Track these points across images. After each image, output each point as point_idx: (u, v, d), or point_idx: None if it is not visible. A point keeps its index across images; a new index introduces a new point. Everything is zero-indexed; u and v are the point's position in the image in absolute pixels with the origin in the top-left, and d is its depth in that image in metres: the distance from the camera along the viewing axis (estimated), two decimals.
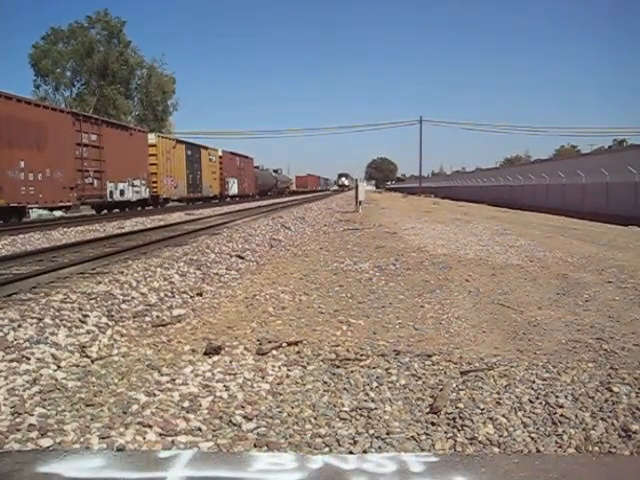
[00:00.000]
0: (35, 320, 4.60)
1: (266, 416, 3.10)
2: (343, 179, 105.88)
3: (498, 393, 3.37)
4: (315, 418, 3.09)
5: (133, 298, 5.77)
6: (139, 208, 26.29)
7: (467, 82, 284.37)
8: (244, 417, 3.08)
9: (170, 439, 2.84)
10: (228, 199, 40.56)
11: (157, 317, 5.27)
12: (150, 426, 2.94)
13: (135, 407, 3.18)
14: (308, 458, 2.65)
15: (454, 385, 3.50)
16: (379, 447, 2.77)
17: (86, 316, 4.92)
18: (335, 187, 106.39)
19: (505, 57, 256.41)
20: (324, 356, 4.09)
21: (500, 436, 2.88)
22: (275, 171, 68.36)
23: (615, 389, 3.39)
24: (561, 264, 8.43)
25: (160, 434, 2.88)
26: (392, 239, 11.98)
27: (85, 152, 20.69)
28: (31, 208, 19.50)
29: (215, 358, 4.03)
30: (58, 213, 21.91)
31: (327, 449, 2.76)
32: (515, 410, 3.15)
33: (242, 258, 9.04)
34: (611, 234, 13.69)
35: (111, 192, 22.84)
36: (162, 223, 18.00)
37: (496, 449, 2.77)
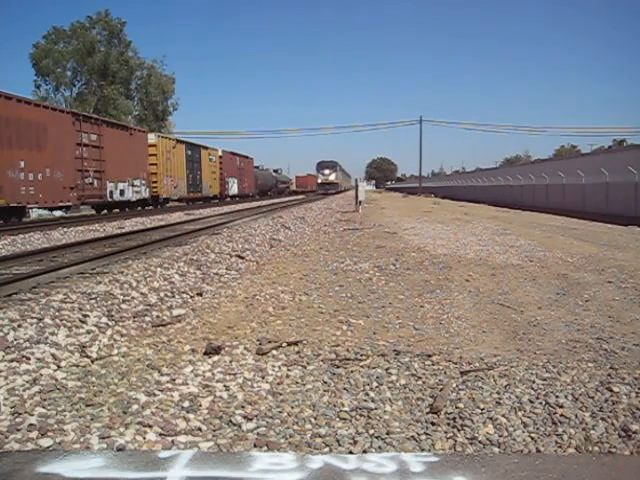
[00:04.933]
0: (35, 320, 4.60)
1: (266, 416, 3.10)
2: (327, 172, 63.16)
3: (498, 393, 3.37)
4: (315, 418, 3.09)
5: (133, 298, 5.77)
6: (139, 208, 26.28)
7: (467, 84, 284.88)
8: (244, 417, 3.08)
9: (170, 439, 2.84)
10: (228, 199, 40.54)
11: (157, 317, 5.27)
12: (150, 426, 2.94)
13: (135, 407, 3.18)
14: (308, 458, 2.65)
15: (454, 385, 3.50)
16: (379, 447, 2.78)
17: (86, 316, 4.92)
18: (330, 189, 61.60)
19: (505, 58, 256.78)
20: (324, 356, 4.09)
21: (500, 436, 2.88)
22: (275, 171, 68.13)
23: (615, 389, 3.39)
24: (561, 264, 8.43)
25: (160, 434, 2.88)
26: (392, 239, 11.97)
27: (85, 152, 20.68)
28: (31, 208, 19.49)
29: (215, 358, 4.03)
30: (58, 213, 21.92)
31: (327, 449, 2.77)
32: (515, 410, 3.15)
33: (242, 258, 9.04)
34: (611, 234, 13.68)
35: (111, 192, 22.83)
36: (162, 223, 18.00)
37: (496, 449, 2.77)
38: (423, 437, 2.87)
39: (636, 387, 3.43)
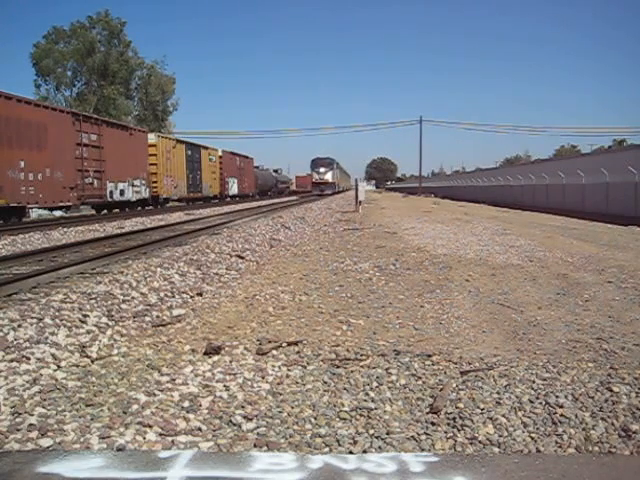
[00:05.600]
0: (35, 320, 4.60)
1: (266, 416, 3.10)
2: (322, 170, 53.91)
3: (498, 393, 3.37)
4: (315, 418, 3.09)
5: (133, 298, 5.77)
6: (139, 208, 26.29)
7: (467, 84, 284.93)
8: (244, 417, 3.08)
9: (170, 439, 2.84)
10: (228, 199, 40.55)
11: (157, 317, 5.27)
12: (150, 426, 2.94)
13: (135, 407, 3.18)
14: (308, 458, 2.65)
15: (454, 385, 3.50)
16: (379, 447, 2.77)
17: (86, 316, 4.92)
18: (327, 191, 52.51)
19: (505, 58, 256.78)
20: (324, 356, 4.09)
21: (500, 436, 2.88)
22: (275, 171, 68.11)
23: (615, 389, 3.39)
24: (561, 264, 8.43)
25: (160, 434, 2.88)
26: (392, 239, 11.97)
27: (85, 152, 20.69)
28: (31, 208, 19.50)
29: (215, 358, 4.03)
30: (58, 213, 21.92)
31: (327, 449, 2.76)
32: (515, 410, 3.15)
33: (242, 258, 9.04)
34: (611, 234, 13.68)
35: (111, 192, 22.84)
36: (162, 223, 18.00)
37: (496, 449, 2.77)
38: (423, 437, 2.87)
39: (636, 387, 3.43)
